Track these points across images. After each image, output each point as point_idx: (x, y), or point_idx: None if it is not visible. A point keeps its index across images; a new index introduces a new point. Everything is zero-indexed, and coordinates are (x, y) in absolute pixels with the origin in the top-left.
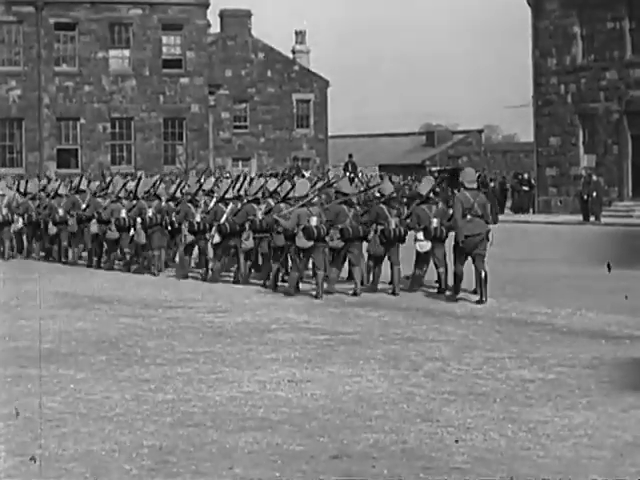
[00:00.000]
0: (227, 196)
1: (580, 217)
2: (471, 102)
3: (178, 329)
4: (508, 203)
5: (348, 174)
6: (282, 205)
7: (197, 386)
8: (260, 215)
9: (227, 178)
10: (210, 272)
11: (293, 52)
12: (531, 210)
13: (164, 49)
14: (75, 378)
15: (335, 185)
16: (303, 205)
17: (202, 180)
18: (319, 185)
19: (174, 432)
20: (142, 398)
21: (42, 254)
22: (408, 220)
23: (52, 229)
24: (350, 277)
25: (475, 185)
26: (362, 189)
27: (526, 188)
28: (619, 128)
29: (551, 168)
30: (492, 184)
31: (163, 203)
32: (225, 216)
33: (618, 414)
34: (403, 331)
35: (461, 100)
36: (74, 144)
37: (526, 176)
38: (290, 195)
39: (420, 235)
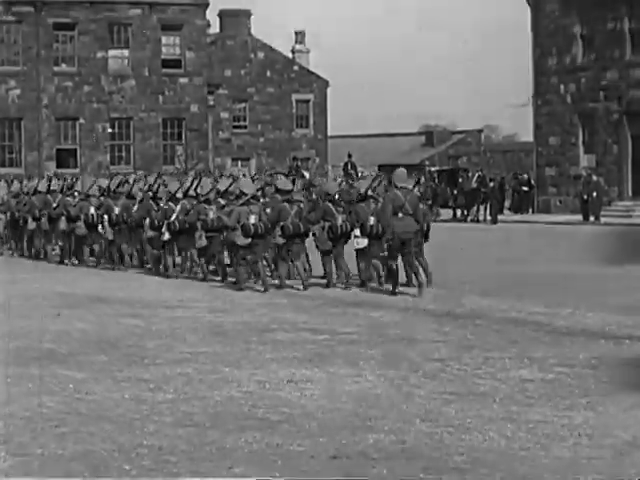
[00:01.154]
0: (177, 195)
1: (580, 217)
2: (471, 102)
3: (178, 329)
4: (507, 203)
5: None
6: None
7: (197, 386)
8: (212, 215)
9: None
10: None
11: (292, 52)
12: (531, 210)
13: (163, 49)
14: (75, 378)
15: (276, 183)
16: (243, 203)
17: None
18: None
19: (174, 432)
20: (142, 398)
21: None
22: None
23: (31, 225)
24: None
25: (407, 185)
26: (302, 188)
27: (526, 188)
28: (619, 128)
29: (551, 168)
30: (491, 184)
31: (136, 207)
32: (175, 215)
33: (618, 414)
34: (402, 331)
35: (461, 100)
36: (73, 144)
37: (525, 176)
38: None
39: (357, 232)
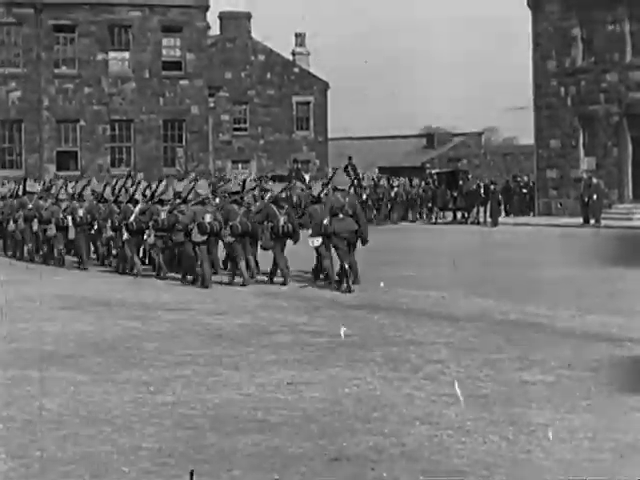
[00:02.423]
0: (136, 197)
1: (580, 219)
2: (471, 104)
3: (177, 331)
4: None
5: (352, 177)
6: (182, 205)
7: (196, 388)
8: (163, 215)
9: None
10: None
11: (293, 54)
12: (531, 213)
13: (164, 51)
14: (74, 380)
15: (226, 186)
16: (198, 203)
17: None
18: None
19: (173, 434)
20: (141, 400)
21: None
22: (302, 219)
23: (11, 226)
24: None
25: (346, 188)
26: (251, 188)
27: (525, 190)
28: (619, 130)
29: (551, 170)
30: (492, 187)
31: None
32: (134, 215)
33: (618, 416)
34: (403, 333)
35: (461, 102)
36: (74, 146)
37: (525, 178)
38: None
39: (311, 232)
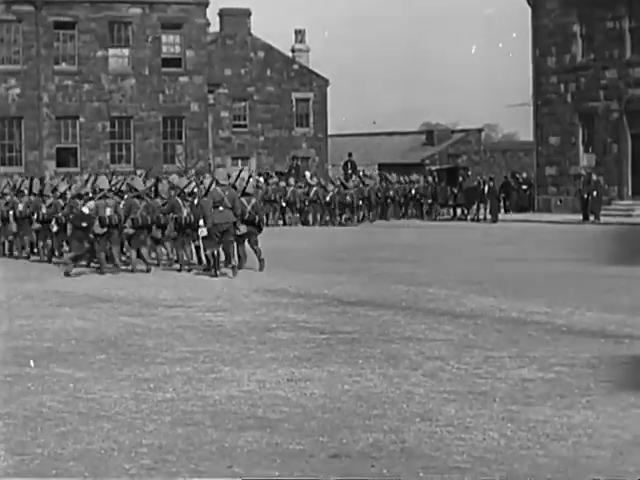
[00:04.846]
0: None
1: (580, 216)
2: (471, 101)
3: (177, 328)
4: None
5: (349, 172)
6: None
7: (196, 385)
8: (82, 209)
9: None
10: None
11: (292, 51)
12: (531, 209)
13: (163, 48)
14: (74, 377)
15: (129, 182)
16: (100, 198)
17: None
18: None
19: (173, 431)
20: (141, 397)
21: None
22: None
23: None
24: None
25: (227, 183)
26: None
27: (525, 187)
28: (619, 127)
29: (551, 167)
30: (491, 183)
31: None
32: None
33: (617, 413)
34: (402, 330)
35: (461, 99)
36: (73, 143)
37: (524, 175)
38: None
39: (201, 222)
